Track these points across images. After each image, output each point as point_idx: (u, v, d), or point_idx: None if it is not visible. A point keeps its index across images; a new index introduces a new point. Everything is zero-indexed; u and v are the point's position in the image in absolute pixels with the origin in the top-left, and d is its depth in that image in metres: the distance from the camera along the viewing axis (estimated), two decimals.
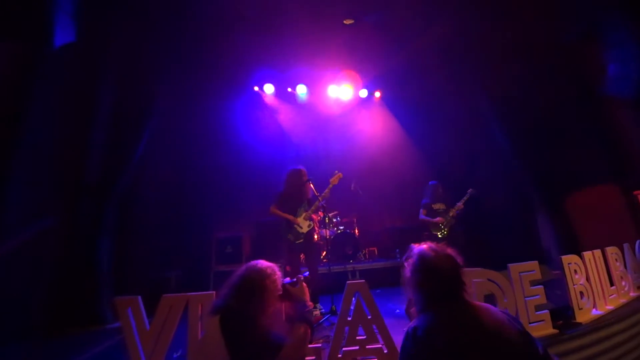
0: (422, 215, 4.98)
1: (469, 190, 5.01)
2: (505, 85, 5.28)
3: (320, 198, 3.97)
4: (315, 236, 5.71)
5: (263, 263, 1.73)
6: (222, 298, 1.62)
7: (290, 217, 3.94)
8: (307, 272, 1.82)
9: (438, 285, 1.35)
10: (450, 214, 4.90)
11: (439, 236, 4.87)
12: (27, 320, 3.51)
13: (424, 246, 1.46)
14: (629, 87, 4.39)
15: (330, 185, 4.08)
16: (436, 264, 1.38)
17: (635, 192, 4.48)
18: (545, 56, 5.05)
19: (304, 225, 3.98)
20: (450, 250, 1.44)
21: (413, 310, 1.42)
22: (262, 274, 1.66)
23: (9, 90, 3.54)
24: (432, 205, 4.97)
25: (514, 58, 5.11)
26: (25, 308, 3.54)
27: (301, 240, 3.97)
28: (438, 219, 4.87)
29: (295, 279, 1.84)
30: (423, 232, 4.95)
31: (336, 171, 4.19)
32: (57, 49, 3.85)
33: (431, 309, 1.33)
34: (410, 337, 1.28)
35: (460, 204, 4.94)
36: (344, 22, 5.34)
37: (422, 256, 1.42)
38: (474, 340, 1.20)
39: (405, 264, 1.49)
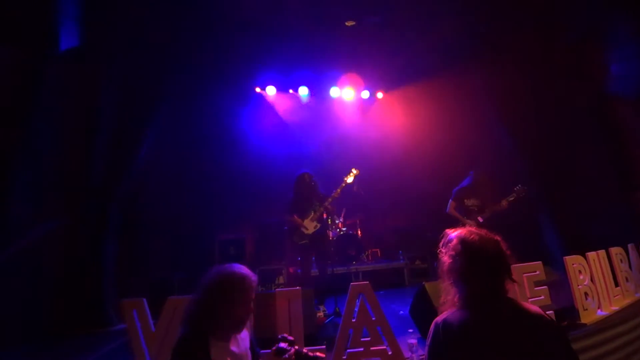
0: (451, 208, 4.16)
1: (517, 187, 3.94)
2: (507, 85, 5.27)
3: (329, 199, 4.06)
4: (330, 233, 5.73)
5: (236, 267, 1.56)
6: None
7: (298, 220, 4.04)
8: (283, 344, 1.61)
9: (484, 271, 1.20)
10: (485, 214, 3.95)
11: None
12: (32, 322, 3.54)
13: (464, 230, 1.31)
14: (632, 85, 4.38)
15: (344, 184, 4.16)
16: (481, 247, 1.23)
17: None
18: (547, 55, 5.04)
19: (309, 226, 4.06)
20: (494, 235, 1.30)
21: (447, 300, 1.28)
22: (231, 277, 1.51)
23: (14, 94, 3.58)
24: (465, 200, 4.12)
25: (516, 58, 5.10)
26: (30, 310, 3.57)
27: (305, 241, 4.04)
28: (469, 222, 3.94)
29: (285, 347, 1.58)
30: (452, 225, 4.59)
31: (352, 168, 4.28)
32: (61, 53, 3.88)
33: (474, 305, 1.21)
34: (441, 330, 1.19)
35: (504, 202, 3.92)
36: (346, 23, 5.36)
37: (464, 240, 1.27)
38: (507, 344, 1.12)
39: (443, 250, 1.34)
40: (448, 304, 1.27)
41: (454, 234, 1.33)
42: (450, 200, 4.24)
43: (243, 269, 1.54)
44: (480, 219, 3.99)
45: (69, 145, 4.13)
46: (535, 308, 1.23)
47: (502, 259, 1.24)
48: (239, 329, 1.51)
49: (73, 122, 4.15)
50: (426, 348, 1.23)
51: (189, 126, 5.97)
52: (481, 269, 1.21)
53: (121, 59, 4.44)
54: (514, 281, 1.26)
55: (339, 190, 4.11)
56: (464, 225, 4.11)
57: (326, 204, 4.07)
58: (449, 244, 1.31)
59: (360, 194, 6.61)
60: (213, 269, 1.53)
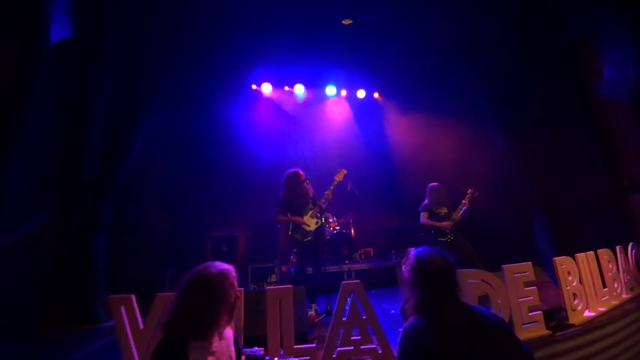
0: (424, 219, 4.57)
1: (470, 191, 4.58)
2: (502, 86, 5.31)
3: (323, 200, 4.08)
4: (330, 228, 5.82)
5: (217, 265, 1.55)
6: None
7: (297, 218, 3.98)
8: (260, 351, 1.68)
9: (433, 284, 1.44)
10: (454, 216, 4.49)
11: (447, 241, 4.44)
12: (21, 318, 3.49)
13: (420, 249, 1.56)
14: (625, 89, 4.43)
15: (335, 183, 4.22)
16: (432, 264, 1.47)
17: (629, 195, 4.53)
18: (542, 57, 5.08)
19: (311, 223, 4.03)
20: (445, 253, 1.54)
21: (408, 307, 1.50)
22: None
23: (4, 87, 3.51)
24: (435, 209, 4.59)
25: (512, 58, 5.14)
26: (19, 306, 3.51)
27: (310, 238, 4.00)
28: (445, 223, 4.45)
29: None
30: (419, 233, 4.81)
31: (342, 169, 4.35)
32: (52, 45, 3.81)
33: (427, 310, 1.42)
34: (408, 336, 1.39)
35: (465, 201, 4.50)
36: (343, 22, 5.35)
37: (418, 257, 1.52)
38: (466, 340, 1.29)
39: (403, 266, 1.58)
40: (409, 309, 1.49)
41: (412, 252, 1.58)
42: (422, 212, 4.63)
43: (218, 266, 1.52)
44: (453, 220, 4.48)
45: (61, 140, 4.06)
46: (479, 307, 1.46)
47: (449, 272, 1.47)
48: (219, 326, 1.49)
49: (65, 117, 4.09)
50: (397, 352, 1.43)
51: (182, 122, 5.93)
52: (429, 280, 1.45)
53: (114, 53, 4.38)
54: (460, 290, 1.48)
55: (331, 188, 4.16)
56: (439, 229, 4.46)
57: (320, 203, 4.07)
58: (408, 260, 1.56)
59: (354, 193, 6.63)
60: (190, 270, 1.52)
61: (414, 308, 1.46)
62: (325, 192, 4.12)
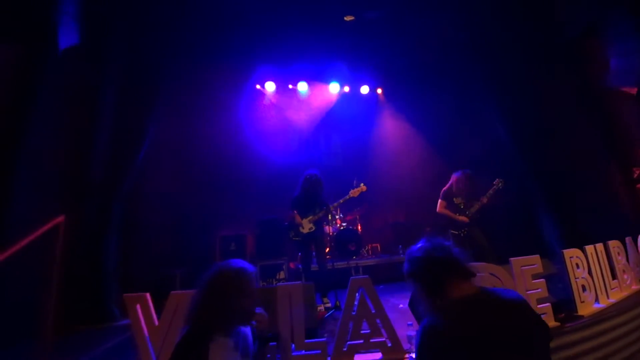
0: (441, 207, 4.38)
1: (496, 181, 4.32)
2: (507, 80, 5.26)
3: (331, 207, 4.28)
4: (328, 229, 5.99)
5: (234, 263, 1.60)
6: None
7: (297, 217, 4.18)
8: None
9: (435, 271, 1.36)
10: (473, 209, 4.27)
11: (460, 234, 4.32)
12: (35, 319, 3.57)
13: (421, 241, 1.51)
14: (632, 81, 4.38)
15: (348, 197, 4.39)
16: (428, 252, 1.42)
17: (638, 186, 4.49)
18: (547, 50, 5.02)
19: (305, 226, 4.18)
20: (442, 240, 1.47)
21: (422, 309, 1.42)
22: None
23: (14, 92, 3.58)
24: (454, 198, 4.35)
25: (516, 53, 5.09)
26: (33, 307, 3.59)
27: (298, 239, 4.19)
28: (462, 217, 4.27)
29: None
30: (425, 228, 4.76)
31: (362, 184, 4.47)
32: (60, 51, 3.88)
33: (439, 303, 1.32)
34: (427, 333, 1.28)
35: (484, 198, 4.26)
36: (345, 18, 5.35)
37: (420, 247, 1.47)
38: (485, 329, 1.20)
39: (405, 264, 1.52)
40: (423, 310, 1.41)
41: (411, 247, 1.51)
42: (440, 200, 4.43)
43: (239, 263, 1.58)
44: (468, 215, 4.30)
45: (70, 143, 4.14)
46: (498, 290, 1.37)
47: (448, 257, 1.39)
48: (239, 323, 1.54)
49: (74, 120, 4.16)
50: (415, 350, 1.32)
51: (190, 123, 5.98)
52: (430, 268, 1.37)
53: (120, 57, 4.44)
54: (473, 275, 1.38)
55: (341, 201, 4.37)
56: (455, 221, 4.31)
57: (325, 210, 4.23)
58: (410, 254, 1.49)
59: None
60: (212, 266, 1.57)
61: (425, 303, 1.37)
62: (334, 203, 4.32)
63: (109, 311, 4.06)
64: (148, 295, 2.22)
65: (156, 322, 2.18)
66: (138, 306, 2.18)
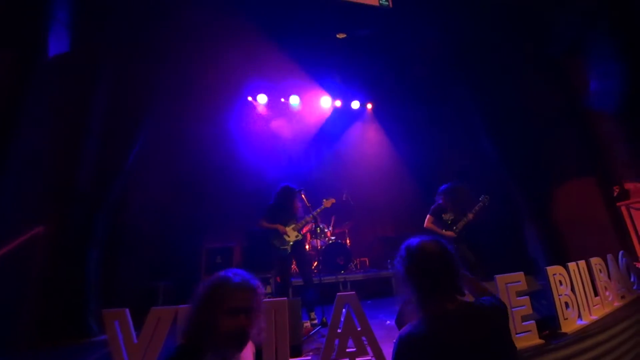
0: (429, 223, 4.25)
1: (482, 198, 4.28)
2: (493, 97, 5.43)
3: (309, 217, 4.25)
4: (307, 246, 5.79)
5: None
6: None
7: (280, 226, 4.14)
8: None
9: (429, 271, 1.31)
10: (459, 226, 4.18)
11: None
12: (13, 331, 3.43)
13: (411, 239, 1.44)
14: (611, 101, 4.56)
15: (322, 207, 4.40)
16: (423, 249, 1.35)
17: (619, 204, 4.62)
18: (532, 68, 5.21)
19: (291, 235, 4.16)
20: (439, 238, 1.42)
21: (409, 310, 1.36)
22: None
23: (2, 98, 3.52)
24: (443, 215, 4.26)
25: (503, 70, 5.27)
26: (11, 319, 3.46)
27: (286, 247, 4.13)
28: (449, 233, 4.15)
29: None
30: None
31: (331, 198, 4.50)
32: (50, 58, 3.85)
33: (425, 310, 1.29)
34: (405, 343, 1.25)
35: (470, 215, 4.20)
36: (337, 35, 5.48)
37: (409, 246, 1.40)
38: (466, 346, 1.21)
39: (395, 262, 1.45)
40: (410, 313, 1.35)
41: (402, 245, 1.44)
42: (428, 215, 4.35)
43: (231, 272, 1.36)
44: (455, 230, 4.22)
45: (57, 151, 4.06)
46: (481, 304, 1.34)
47: (444, 257, 1.34)
48: (234, 347, 1.28)
49: (62, 128, 4.10)
50: None
51: (177, 134, 5.93)
52: (424, 267, 1.31)
53: (111, 65, 4.42)
54: (467, 277, 1.41)
55: (315, 213, 4.28)
56: (442, 237, 4.24)
57: (313, 217, 4.23)
58: (398, 253, 1.43)
59: (349, 203, 6.66)
60: (209, 278, 1.39)
61: (413, 305, 1.32)
62: (306, 217, 4.27)
63: (88, 325, 3.91)
64: (127, 311, 2.15)
65: (135, 340, 2.11)
66: (117, 322, 2.11)
